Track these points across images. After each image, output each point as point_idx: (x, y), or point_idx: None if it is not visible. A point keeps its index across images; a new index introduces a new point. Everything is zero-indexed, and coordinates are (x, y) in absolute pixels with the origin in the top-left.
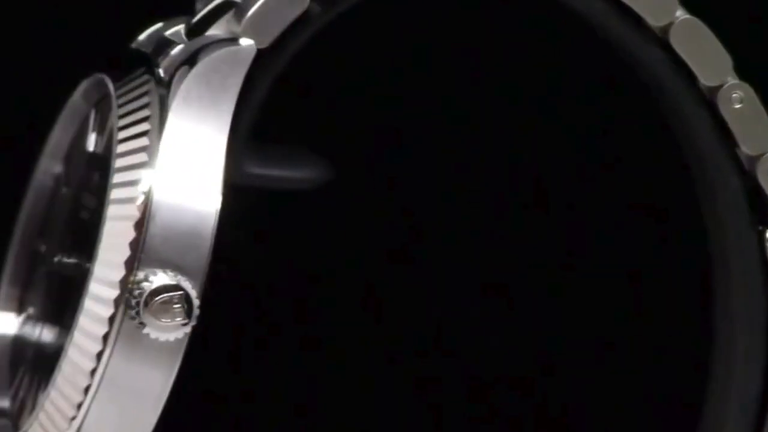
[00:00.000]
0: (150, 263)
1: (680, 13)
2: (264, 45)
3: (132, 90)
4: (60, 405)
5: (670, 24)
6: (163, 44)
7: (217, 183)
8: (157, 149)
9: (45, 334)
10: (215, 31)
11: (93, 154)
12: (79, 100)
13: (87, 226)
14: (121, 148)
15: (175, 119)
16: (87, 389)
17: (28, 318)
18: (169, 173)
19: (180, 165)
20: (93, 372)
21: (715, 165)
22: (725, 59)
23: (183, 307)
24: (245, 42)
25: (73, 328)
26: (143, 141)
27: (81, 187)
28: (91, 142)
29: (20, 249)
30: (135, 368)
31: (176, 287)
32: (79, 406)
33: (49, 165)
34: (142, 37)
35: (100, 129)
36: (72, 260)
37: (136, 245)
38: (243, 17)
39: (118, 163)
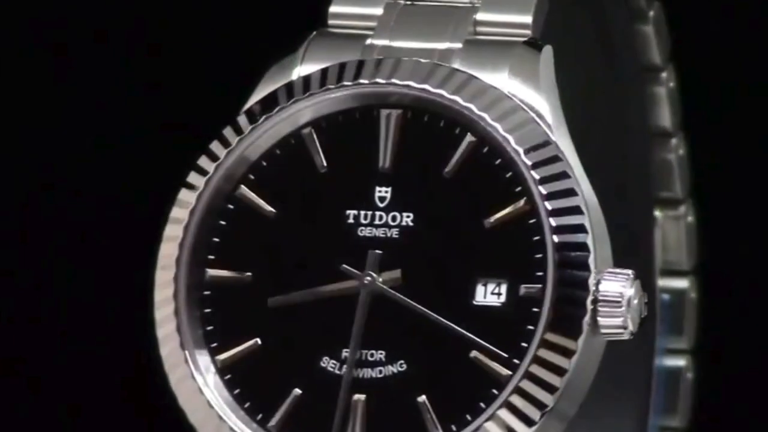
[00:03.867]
0: (596, 263)
1: None
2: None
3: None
4: (522, 410)
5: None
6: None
7: (585, 178)
8: (560, 149)
9: (325, 359)
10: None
11: (336, 172)
12: (282, 121)
13: (397, 242)
14: (532, 157)
15: (555, 123)
16: (555, 392)
17: (257, 348)
18: (578, 176)
19: (572, 166)
20: (565, 373)
21: (638, 136)
22: (669, 43)
23: (646, 302)
24: (538, 42)
25: (537, 337)
26: (550, 150)
27: (333, 206)
28: (323, 166)
29: (189, 277)
30: (585, 365)
31: (639, 284)
32: (544, 411)
33: (228, 188)
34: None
35: (339, 147)
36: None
37: (587, 245)
38: (525, 17)
39: (541, 170)
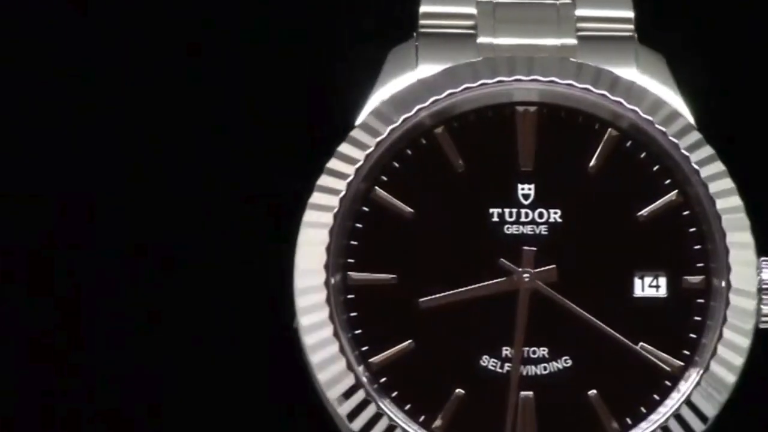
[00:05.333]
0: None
1: None
2: None
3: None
4: (704, 401)
5: None
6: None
7: None
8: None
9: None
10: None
11: (475, 171)
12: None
13: (550, 239)
14: (690, 149)
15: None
16: (732, 381)
17: (410, 349)
18: None
19: None
20: (740, 362)
21: None
22: None
23: None
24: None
25: (712, 329)
26: (702, 141)
27: (462, 208)
28: (459, 165)
29: (335, 281)
30: None
31: None
32: (720, 403)
33: (363, 190)
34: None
35: (475, 146)
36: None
37: (750, 235)
38: (627, 12)
39: (699, 162)
